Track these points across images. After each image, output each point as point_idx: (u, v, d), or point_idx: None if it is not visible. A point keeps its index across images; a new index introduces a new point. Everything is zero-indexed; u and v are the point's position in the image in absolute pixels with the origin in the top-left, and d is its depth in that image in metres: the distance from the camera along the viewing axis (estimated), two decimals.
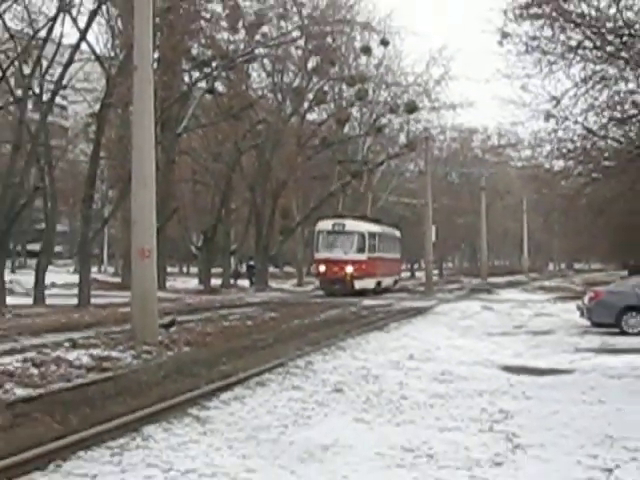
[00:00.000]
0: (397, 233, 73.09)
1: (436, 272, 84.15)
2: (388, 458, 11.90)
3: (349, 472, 11.06)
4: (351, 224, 58.76)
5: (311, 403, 16.02)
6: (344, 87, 63.96)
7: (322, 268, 58.19)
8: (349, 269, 56.48)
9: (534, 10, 36.46)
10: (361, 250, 57.91)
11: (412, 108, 66.30)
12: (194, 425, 13.74)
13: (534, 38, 37.00)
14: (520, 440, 13.12)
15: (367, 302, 48.21)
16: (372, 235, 60.11)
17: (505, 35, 37.34)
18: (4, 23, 37.64)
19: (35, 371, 18.82)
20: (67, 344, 22.97)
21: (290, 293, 63.04)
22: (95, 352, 21.70)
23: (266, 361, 20.74)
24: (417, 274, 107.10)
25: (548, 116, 40.99)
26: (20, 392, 16.38)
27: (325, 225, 59.38)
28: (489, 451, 12.37)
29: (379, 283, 62.03)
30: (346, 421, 14.49)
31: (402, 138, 74.43)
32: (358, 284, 56.72)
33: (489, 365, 21.98)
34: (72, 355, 21.03)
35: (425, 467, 11.48)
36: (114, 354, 21.75)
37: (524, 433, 13.60)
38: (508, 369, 21.30)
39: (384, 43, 60.18)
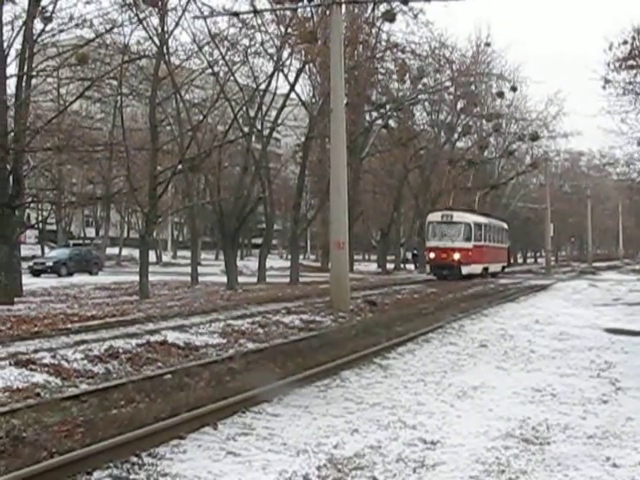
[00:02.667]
0: (504, 225, 63.58)
1: (553, 258, 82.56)
2: (522, 396, 11.76)
3: (493, 406, 10.96)
4: (458, 215, 51.33)
5: (463, 355, 15.93)
6: (484, 122, 63.35)
7: (432, 255, 51.15)
8: (456, 256, 49.41)
9: (630, 62, 36.72)
10: (468, 239, 50.42)
11: (535, 137, 65.66)
12: (378, 370, 13.79)
13: (630, 83, 37.73)
14: (621, 384, 12.82)
15: (502, 281, 47.98)
16: (478, 225, 52.34)
17: (607, 81, 37.90)
18: (235, 79, 38.11)
19: (261, 330, 19.09)
20: (283, 311, 23.24)
21: None
22: (304, 317, 21.90)
23: (429, 324, 20.69)
24: (539, 260, 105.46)
25: None
26: (250, 345, 16.66)
27: (435, 217, 51.99)
28: (597, 392, 12.12)
29: (486, 269, 54.12)
30: (490, 368, 14.36)
31: (527, 159, 73.47)
32: (465, 269, 49.59)
33: (595, 328, 21.46)
34: (287, 319, 21.25)
35: (550, 403, 11.32)
36: (318, 318, 21.94)
37: (624, 379, 13.28)
38: (610, 331, 20.77)
39: (513, 89, 59.53)
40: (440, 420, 10.06)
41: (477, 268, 51.50)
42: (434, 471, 7.94)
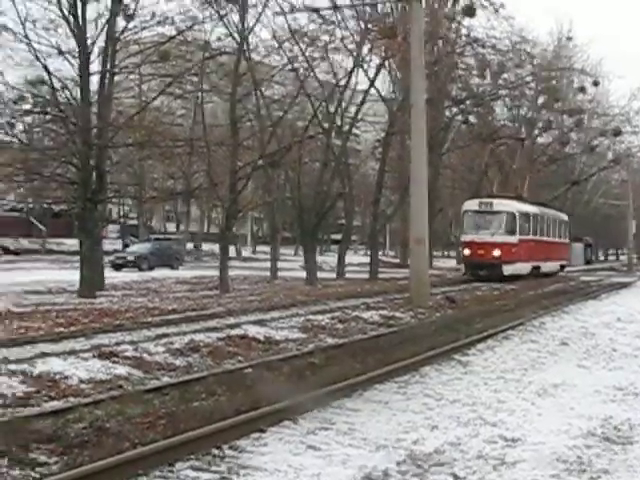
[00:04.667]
0: (563, 217, 54.69)
1: (635, 256, 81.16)
2: (604, 395, 11.62)
3: (575, 404, 10.85)
4: (499, 203, 42.32)
5: (544, 353, 15.78)
6: (565, 117, 62.51)
7: (467, 251, 42.56)
8: (496, 252, 40.57)
9: None
10: (511, 231, 41.50)
11: (617, 132, 64.49)
12: (458, 367, 13.74)
13: None
14: None
15: (583, 278, 47.22)
16: (525, 216, 43.42)
17: None
18: (315, 75, 38.26)
19: (340, 326, 19.15)
20: (363, 306, 23.29)
21: None
22: (383, 312, 21.93)
23: (509, 321, 20.53)
24: (621, 257, 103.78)
25: None
26: (330, 340, 16.74)
27: (471, 205, 43.40)
28: None
29: (537, 268, 44.90)
30: (571, 366, 14.21)
31: (609, 155, 72.23)
32: (507, 269, 40.60)
33: None
34: (367, 314, 21.29)
35: (632, 402, 11.15)
36: (397, 314, 21.94)
37: None
38: None
39: (595, 84, 58.55)
40: (521, 418, 10.00)
41: (524, 267, 42.62)
42: (514, 469, 7.91)
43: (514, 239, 41.36)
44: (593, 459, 8.27)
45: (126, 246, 66.27)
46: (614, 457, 8.37)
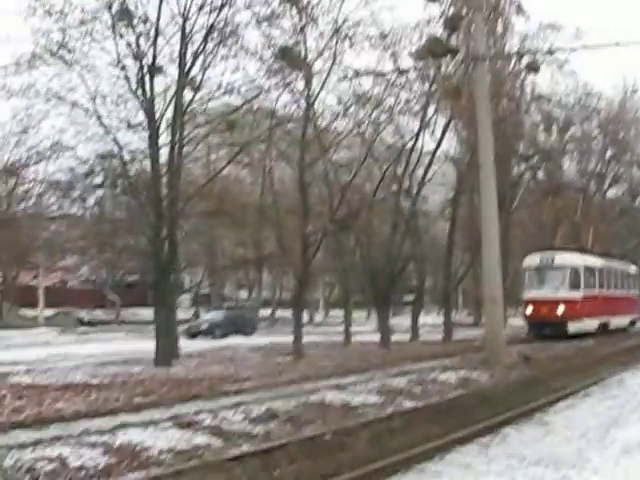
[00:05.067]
0: (633, 268, 51.53)
1: None
2: None
3: None
4: (562, 257, 39.80)
5: (626, 409, 15.56)
6: (635, 169, 62.05)
7: (529, 310, 40.01)
8: (560, 309, 38.00)
9: None
10: (575, 286, 39.00)
11: None
12: (538, 427, 13.62)
13: None
14: None
15: None
16: (590, 270, 41.07)
17: None
18: (381, 138, 38.53)
19: (417, 388, 19.04)
20: (439, 368, 23.13)
21: None
22: (460, 373, 21.77)
23: (588, 377, 20.31)
24: None
25: None
26: (408, 404, 16.63)
27: (532, 260, 41.09)
28: None
29: (604, 325, 41.84)
30: None
31: None
32: (573, 327, 37.83)
33: None
34: (443, 376, 21.15)
35: None
36: (474, 375, 21.77)
37: None
38: None
39: None
40: (606, 477, 9.85)
41: (591, 324, 39.57)
42: None
43: (579, 295, 38.89)
44: None
45: (197, 316, 66.87)
46: None
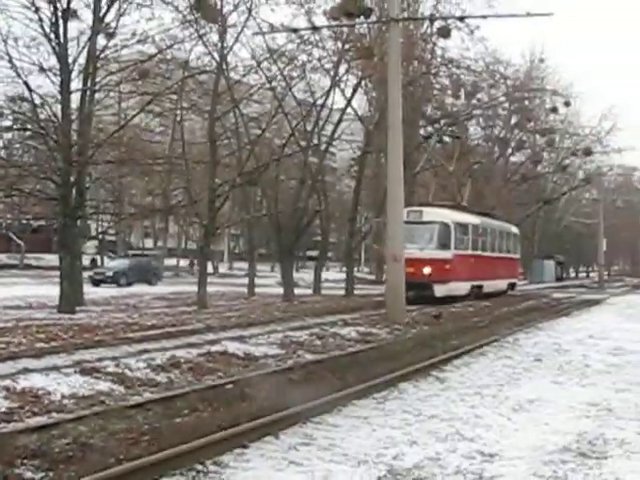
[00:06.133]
0: (513, 229, 48.01)
1: (606, 273, 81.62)
2: (577, 410, 11.68)
3: (550, 420, 10.90)
4: (430, 212, 34.97)
5: (519, 369, 15.88)
6: (537, 137, 63.07)
7: None
8: (427, 270, 33.49)
9: None
10: (444, 245, 34.89)
11: (588, 152, 65.39)
12: (435, 383, 13.81)
13: None
14: None
15: (556, 295, 47.38)
16: (463, 227, 36.68)
17: None
18: (293, 94, 38.45)
19: (318, 342, 19.19)
20: (340, 323, 23.34)
21: None
22: (360, 329, 21.98)
23: (484, 337, 20.66)
24: (591, 274, 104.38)
25: None
26: (309, 357, 16.75)
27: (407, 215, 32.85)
28: None
29: (478, 287, 38.03)
30: (545, 382, 14.29)
31: (580, 174, 72.96)
32: (439, 290, 33.90)
33: None
34: (344, 331, 21.34)
35: (606, 418, 11.24)
36: (374, 330, 22.00)
37: None
38: None
39: (567, 104, 58.93)
40: (498, 433, 10.06)
41: (460, 287, 35.84)
42: None
43: (448, 254, 35.02)
44: (569, 474, 8.32)
45: (95, 263, 66.29)
46: (589, 472, 8.41)
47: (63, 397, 11.50)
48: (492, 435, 9.95)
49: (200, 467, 8.11)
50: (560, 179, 73.61)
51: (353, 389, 12.15)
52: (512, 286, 46.65)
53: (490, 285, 40.23)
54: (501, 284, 43.50)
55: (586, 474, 8.35)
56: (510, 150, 63.52)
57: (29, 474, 7.76)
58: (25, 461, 8.08)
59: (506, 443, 9.54)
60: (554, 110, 59.40)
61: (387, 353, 17.17)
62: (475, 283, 37.73)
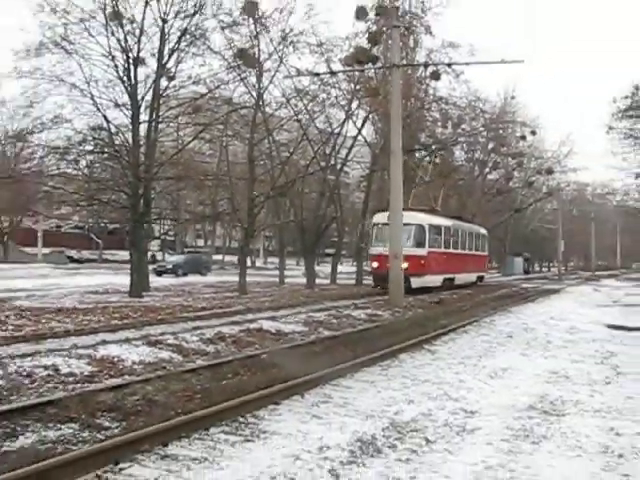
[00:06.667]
0: (482, 231, 46.02)
1: (563, 268, 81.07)
2: (541, 377, 11.67)
3: (519, 384, 10.90)
4: (408, 216, 31.07)
5: (494, 343, 15.83)
6: (509, 159, 62.69)
7: (375, 264, 33.50)
8: (404, 265, 28.24)
9: (630, 113, 36.41)
10: (420, 244, 33.50)
11: (550, 171, 65.25)
12: (427, 354, 13.79)
13: (631, 129, 37.36)
14: (621, 369, 12.62)
15: (524, 285, 47.07)
16: (436, 228, 35.45)
17: (611, 127, 37.26)
18: (315, 124, 38.48)
19: (334, 321, 19.16)
20: (352, 306, 23.31)
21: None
22: (368, 311, 21.94)
23: (466, 318, 20.58)
24: (552, 269, 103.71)
25: (637, 176, 41.07)
26: (327, 333, 16.75)
27: (380, 218, 34.08)
28: (602, 375, 11.96)
29: (450, 280, 36.76)
30: (515, 354, 14.25)
31: (544, 189, 72.48)
32: (416, 282, 31.81)
33: (598, 324, 21.04)
34: (355, 312, 21.31)
35: (564, 383, 11.24)
36: (379, 312, 21.93)
37: (623, 365, 13.08)
38: (610, 326, 20.36)
39: (533, 133, 58.80)
40: (477, 394, 10.06)
41: (434, 280, 34.47)
42: (473, 434, 7.98)
43: (423, 251, 33.51)
44: (534, 427, 8.33)
45: (153, 257, 66.49)
46: (550, 426, 8.42)
47: (133, 363, 11.56)
48: (473, 396, 9.94)
49: (241, 419, 8.17)
50: (527, 193, 73.00)
51: (362, 359, 12.16)
52: (480, 278, 45.28)
53: (461, 278, 39.13)
54: (470, 277, 42.16)
55: (548, 427, 8.36)
56: (487, 169, 63.13)
57: (107, 423, 7.84)
58: (104, 413, 8.17)
59: (484, 402, 9.54)
60: (523, 138, 59.17)
61: (389, 330, 17.16)
62: (447, 276, 36.30)
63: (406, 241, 31.40)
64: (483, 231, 46.27)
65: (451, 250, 37.16)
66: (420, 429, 8.10)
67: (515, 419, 8.70)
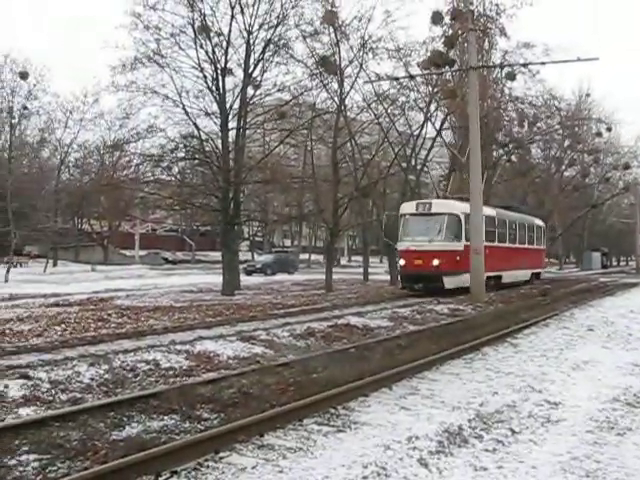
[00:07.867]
0: (537, 222, 39.57)
1: None
2: (623, 369, 11.39)
3: (601, 377, 10.65)
4: (439, 204, 28.45)
5: (575, 336, 15.50)
6: (585, 156, 61.17)
7: (402, 261, 28.43)
8: (435, 262, 26.66)
9: None
10: (456, 237, 27.57)
11: (627, 166, 63.13)
12: (509, 347, 13.61)
13: None
14: None
15: (602, 279, 45.84)
16: None
17: None
18: (395, 127, 38.34)
19: (419, 316, 19.09)
20: (434, 302, 23.09)
21: (555, 273, 60.58)
22: (450, 306, 21.75)
23: (547, 312, 20.21)
24: (630, 263, 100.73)
25: None
26: (411, 327, 16.71)
27: (407, 208, 29.33)
28: None
29: (496, 278, 29.96)
30: (596, 347, 13.92)
31: (620, 184, 70.39)
32: (450, 281, 27.00)
33: None
34: (438, 308, 21.17)
35: None
36: (461, 307, 21.75)
37: None
38: None
39: (609, 129, 56.93)
40: (560, 386, 9.88)
41: None
42: (558, 425, 7.84)
43: (459, 246, 27.54)
44: (619, 419, 8.14)
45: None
46: (635, 418, 8.22)
47: (228, 358, 11.76)
48: (556, 388, 9.78)
49: (333, 411, 8.22)
50: (604, 188, 71.22)
51: (447, 352, 12.09)
52: (537, 275, 38.79)
53: (510, 275, 32.76)
54: (522, 274, 35.35)
55: (632, 419, 8.16)
56: (564, 166, 61.79)
57: (206, 415, 7.99)
58: (203, 405, 8.32)
59: (567, 394, 9.37)
60: (599, 134, 57.60)
61: (472, 325, 16.99)
62: (491, 274, 28.32)
63: (436, 234, 27.62)
64: (538, 222, 40.15)
65: (496, 244, 30.63)
66: (505, 420, 8.01)
67: (599, 411, 8.52)
